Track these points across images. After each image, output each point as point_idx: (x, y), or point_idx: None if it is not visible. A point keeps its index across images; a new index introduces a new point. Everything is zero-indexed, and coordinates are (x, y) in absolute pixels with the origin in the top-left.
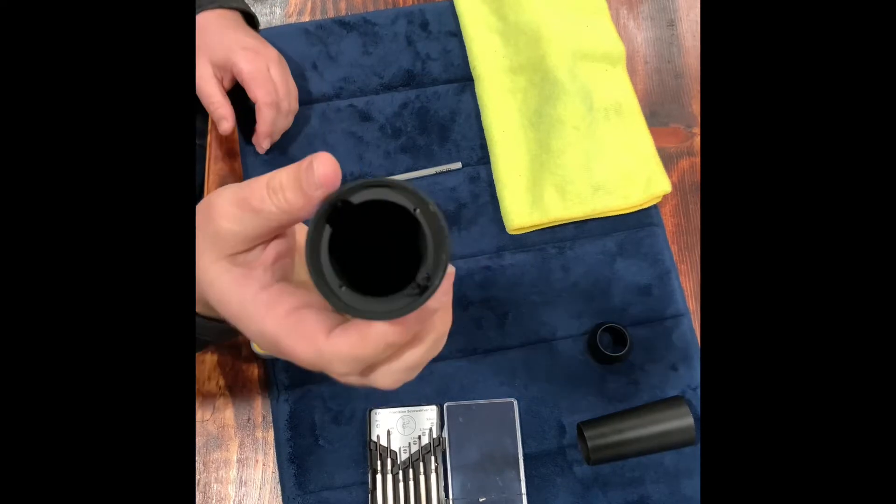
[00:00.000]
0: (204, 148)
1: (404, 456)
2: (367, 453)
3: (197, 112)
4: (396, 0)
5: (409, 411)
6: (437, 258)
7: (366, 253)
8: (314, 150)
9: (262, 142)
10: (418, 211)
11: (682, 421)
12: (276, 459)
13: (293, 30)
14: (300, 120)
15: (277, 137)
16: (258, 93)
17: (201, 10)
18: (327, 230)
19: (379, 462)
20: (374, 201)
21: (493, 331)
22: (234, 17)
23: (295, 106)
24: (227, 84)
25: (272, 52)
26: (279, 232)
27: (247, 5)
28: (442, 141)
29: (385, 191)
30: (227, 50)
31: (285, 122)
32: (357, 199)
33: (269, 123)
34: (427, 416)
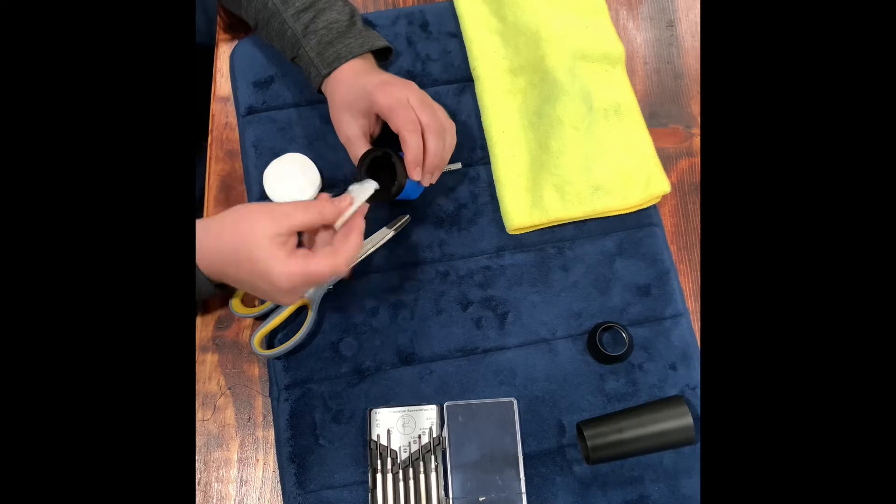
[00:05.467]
0: (205, 148)
1: (404, 455)
2: (368, 452)
3: (197, 113)
4: (396, 1)
5: (409, 411)
6: (401, 179)
7: (376, 172)
8: (316, 151)
9: (413, 173)
10: (394, 158)
11: (682, 420)
12: (276, 458)
13: None
14: (302, 121)
15: (434, 171)
16: (398, 121)
17: (339, 64)
18: (365, 165)
19: (379, 461)
20: (379, 155)
21: (493, 331)
22: (366, 62)
23: (450, 140)
24: (378, 131)
25: (411, 85)
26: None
27: (380, 39)
28: None
29: (382, 152)
30: (366, 94)
31: (436, 156)
32: (374, 154)
33: (414, 150)
34: (427, 416)
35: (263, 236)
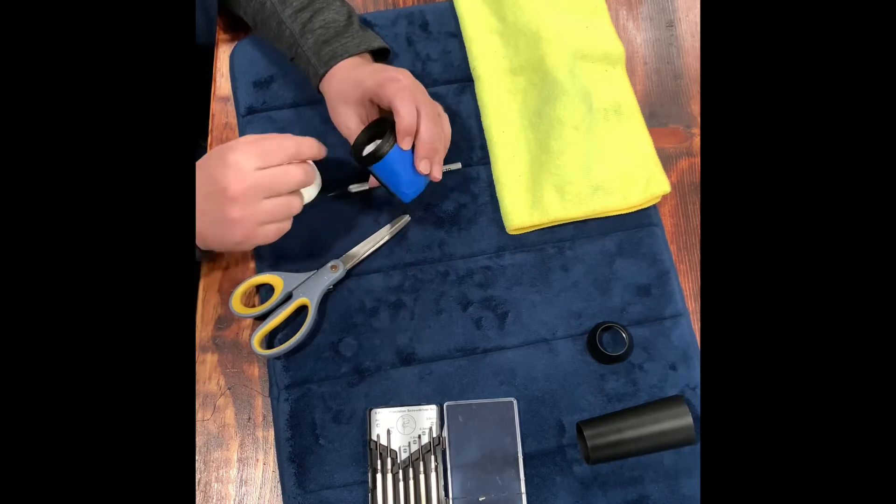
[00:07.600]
0: (205, 148)
1: (404, 455)
2: (368, 452)
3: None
4: (396, 1)
5: (408, 411)
6: (387, 138)
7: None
8: None
9: (402, 142)
10: (387, 125)
11: (682, 420)
12: (276, 459)
13: None
14: (302, 121)
15: (430, 157)
16: (388, 93)
17: (335, 63)
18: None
19: (379, 461)
20: (374, 124)
21: (493, 331)
22: (362, 60)
23: (445, 133)
24: (373, 117)
25: (405, 71)
26: None
27: (377, 39)
28: None
29: (381, 120)
30: (358, 81)
31: (430, 140)
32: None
33: (406, 118)
34: (427, 416)
35: (238, 141)
